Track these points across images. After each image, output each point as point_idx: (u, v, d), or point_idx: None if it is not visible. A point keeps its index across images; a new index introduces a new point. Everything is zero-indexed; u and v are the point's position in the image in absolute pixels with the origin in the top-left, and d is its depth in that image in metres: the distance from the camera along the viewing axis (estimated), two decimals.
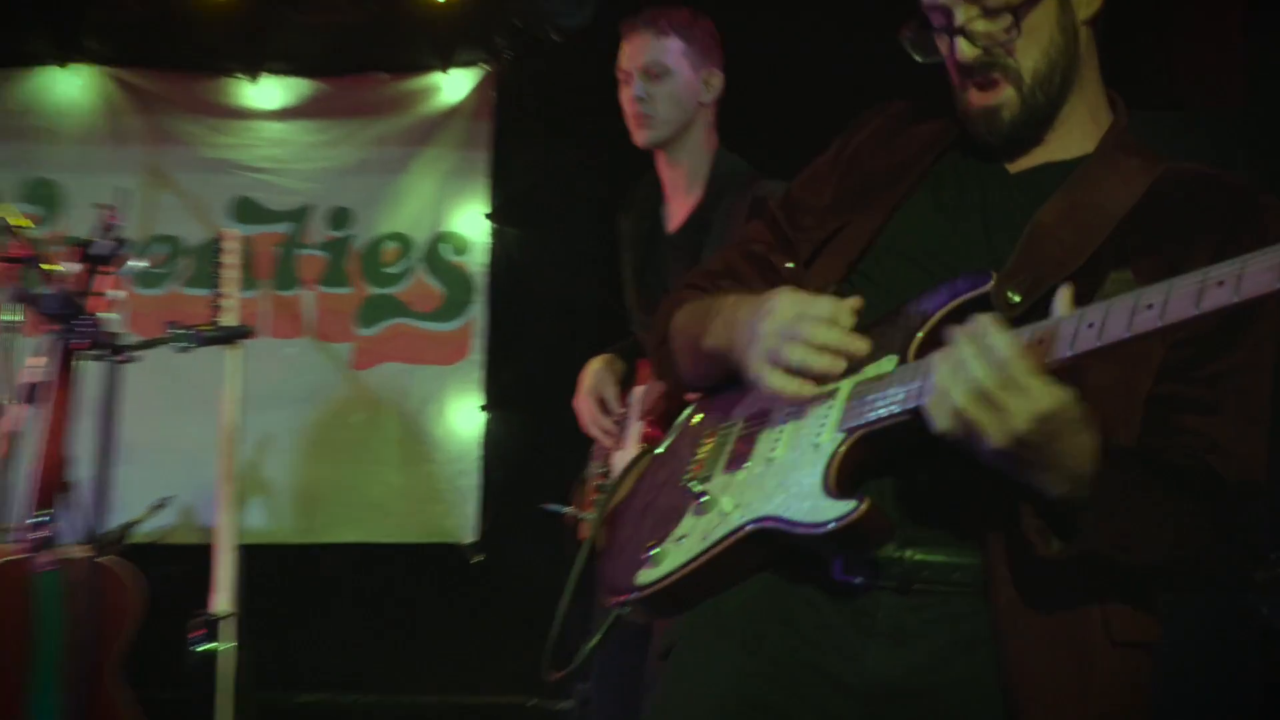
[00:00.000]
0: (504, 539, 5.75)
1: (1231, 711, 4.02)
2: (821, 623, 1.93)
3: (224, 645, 3.91)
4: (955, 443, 1.70)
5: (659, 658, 2.15)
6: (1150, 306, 1.59)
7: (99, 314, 3.43)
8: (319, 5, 5.72)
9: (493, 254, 5.91)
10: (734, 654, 1.97)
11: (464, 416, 5.88)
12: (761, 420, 2.01)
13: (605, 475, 3.70)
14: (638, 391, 3.72)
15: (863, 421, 1.84)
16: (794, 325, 1.90)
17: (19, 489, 3.51)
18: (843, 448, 1.83)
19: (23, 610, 3.88)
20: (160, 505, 4.75)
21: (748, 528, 1.87)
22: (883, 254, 2.05)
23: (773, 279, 2.17)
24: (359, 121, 5.92)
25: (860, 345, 1.90)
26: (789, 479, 1.86)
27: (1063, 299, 1.70)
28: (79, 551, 3.43)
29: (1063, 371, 1.67)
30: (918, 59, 2.06)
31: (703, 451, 2.07)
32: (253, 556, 4.29)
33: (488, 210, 5.92)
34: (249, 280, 5.60)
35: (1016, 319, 1.76)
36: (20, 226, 3.57)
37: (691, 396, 2.24)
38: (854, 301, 1.94)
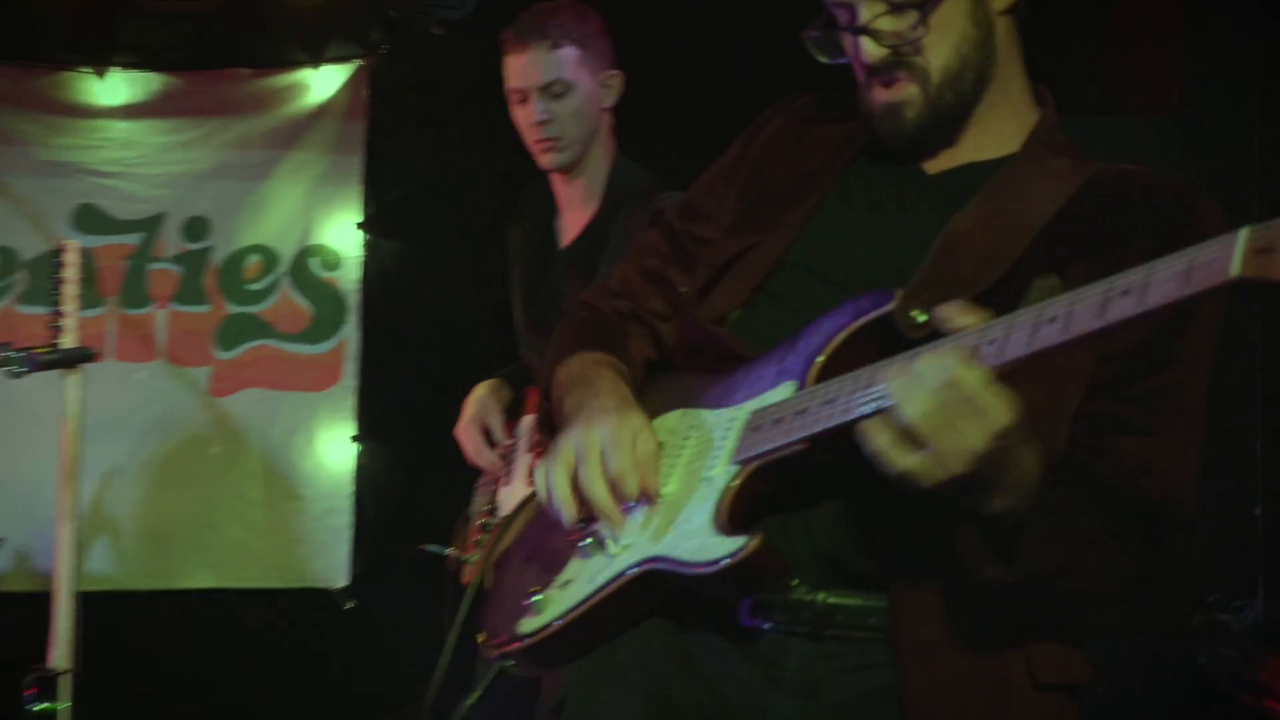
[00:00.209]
0: (379, 584, 5.70)
1: None
2: (727, 672, 1.94)
3: (61, 705, 3.84)
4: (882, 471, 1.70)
5: (550, 713, 2.15)
6: (1053, 320, 1.60)
7: None
8: None
9: (367, 269, 5.87)
10: (636, 708, 1.97)
11: (335, 448, 5.83)
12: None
13: (490, 513, 3.70)
14: (526, 421, 3.72)
15: (757, 452, 1.85)
16: (592, 451, 1.95)
17: None
18: (736, 481, 1.85)
19: None
20: None
21: (633, 570, 1.88)
22: (790, 270, 2.06)
23: (671, 297, 2.19)
24: (218, 121, 5.84)
25: (639, 489, 1.92)
26: (679, 516, 1.87)
27: (954, 314, 1.70)
28: None
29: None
30: (823, 60, 2.08)
31: None
32: (95, 605, 4.20)
33: (361, 220, 5.87)
34: (92, 297, 5.51)
35: (922, 340, 1.76)
36: None
37: None
38: (652, 453, 1.95)
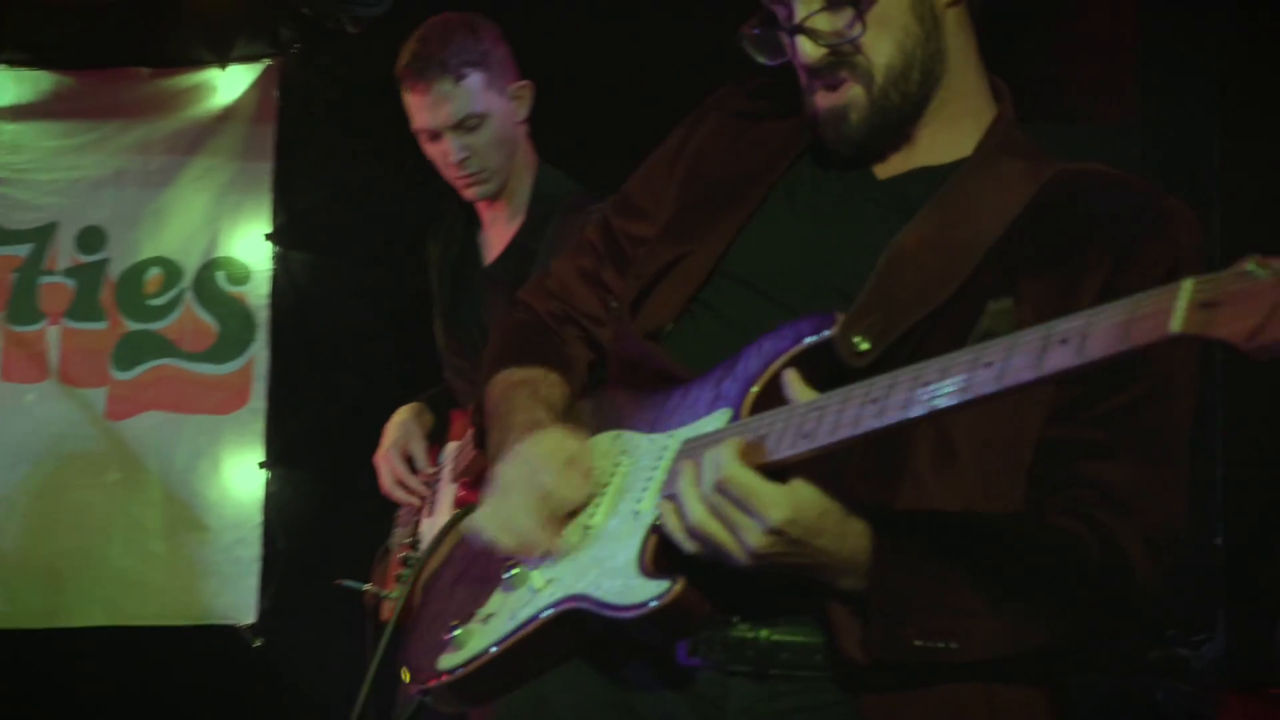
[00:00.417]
0: (290, 621, 5.67)
1: None
2: (665, 713, 1.95)
3: None
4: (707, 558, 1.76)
5: None
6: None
7: None
8: None
9: (276, 283, 5.84)
10: None
11: (242, 475, 5.80)
12: None
13: (412, 545, 3.70)
14: (450, 448, 3.72)
15: None
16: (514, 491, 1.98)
17: None
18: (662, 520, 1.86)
19: None
20: None
21: (552, 611, 1.89)
22: (727, 281, 2.06)
23: (605, 300, 2.23)
24: (115, 124, 5.82)
25: (543, 542, 1.95)
26: (604, 551, 1.89)
27: (790, 382, 1.75)
28: None
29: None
30: (761, 61, 2.08)
31: None
32: None
33: (270, 231, 5.86)
34: None
35: (863, 370, 1.77)
36: None
37: None
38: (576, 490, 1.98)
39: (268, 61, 5.86)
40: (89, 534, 5.73)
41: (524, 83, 3.64)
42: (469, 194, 3.62)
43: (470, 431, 3.56)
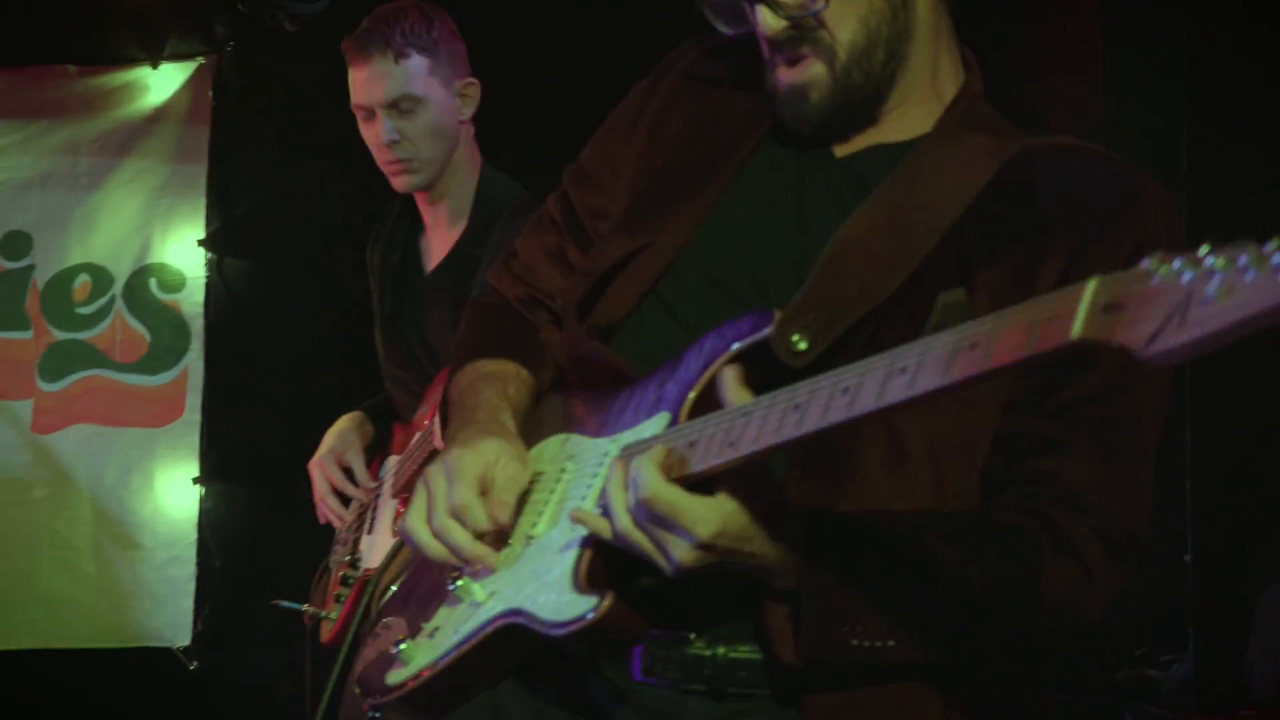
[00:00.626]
0: (226, 642, 5.67)
1: None
2: None
3: None
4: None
5: None
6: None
7: None
8: None
9: (211, 290, 5.84)
10: None
11: (176, 490, 5.79)
12: (530, 487, 2.01)
13: (352, 565, 3.66)
14: (391, 462, 3.69)
15: None
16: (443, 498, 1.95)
17: None
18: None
19: None
20: None
21: (493, 625, 1.88)
22: (683, 273, 2.03)
23: (571, 279, 2.18)
24: (40, 125, 5.81)
25: (488, 520, 1.93)
26: (543, 564, 1.87)
27: (727, 384, 1.72)
28: None
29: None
30: (722, 29, 2.05)
31: None
32: None
33: (204, 236, 5.83)
34: None
35: (804, 370, 1.73)
36: None
37: None
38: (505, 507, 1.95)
39: (201, 60, 5.85)
40: (15, 554, 5.71)
41: (471, 80, 3.61)
42: (398, 183, 3.59)
43: (411, 443, 3.56)
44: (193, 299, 5.83)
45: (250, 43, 5.74)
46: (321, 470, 3.71)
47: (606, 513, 1.76)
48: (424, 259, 3.70)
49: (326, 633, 3.62)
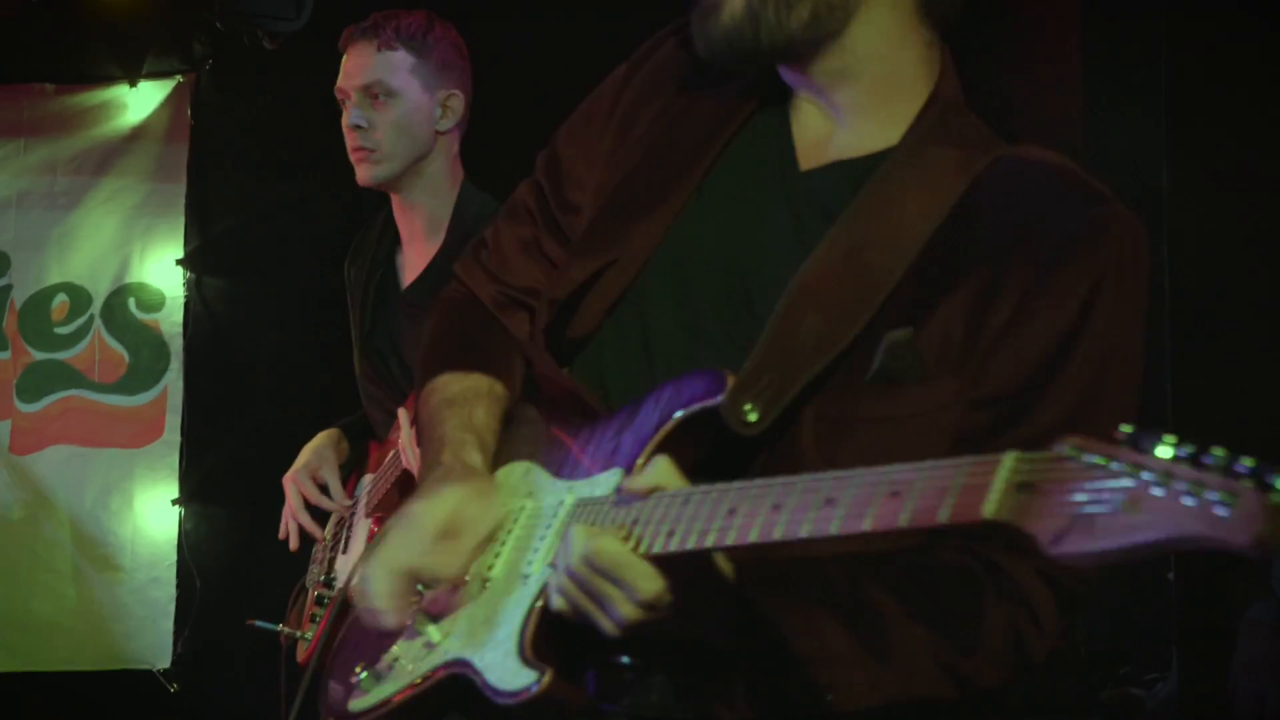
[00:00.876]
0: (207, 664, 5.66)
1: None
2: None
3: None
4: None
5: None
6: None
7: None
8: None
9: (190, 310, 5.84)
10: None
11: (155, 512, 5.79)
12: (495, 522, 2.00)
13: (327, 585, 3.65)
14: (366, 480, 3.68)
15: None
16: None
17: None
18: (540, 602, 1.81)
19: None
20: None
21: (445, 669, 1.88)
22: (644, 293, 1.99)
23: (550, 272, 2.14)
24: (17, 143, 5.81)
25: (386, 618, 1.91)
26: (494, 614, 1.86)
27: (658, 470, 1.70)
28: None
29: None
30: None
31: None
32: None
33: (183, 255, 5.84)
34: None
35: (761, 438, 1.72)
36: None
37: None
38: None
39: (179, 78, 5.86)
40: None
41: (456, 93, 3.60)
42: (358, 172, 3.58)
43: (385, 461, 3.55)
44: (172, 318, 5.83)
45: (229, 61, 5.75)
46: (295, 484, 3.70)
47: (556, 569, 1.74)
48: (400, 275, 3.70)
49: (302, 653, 3.62)
